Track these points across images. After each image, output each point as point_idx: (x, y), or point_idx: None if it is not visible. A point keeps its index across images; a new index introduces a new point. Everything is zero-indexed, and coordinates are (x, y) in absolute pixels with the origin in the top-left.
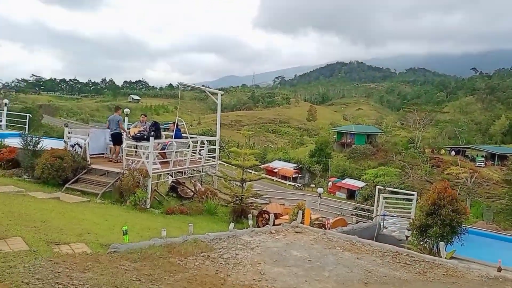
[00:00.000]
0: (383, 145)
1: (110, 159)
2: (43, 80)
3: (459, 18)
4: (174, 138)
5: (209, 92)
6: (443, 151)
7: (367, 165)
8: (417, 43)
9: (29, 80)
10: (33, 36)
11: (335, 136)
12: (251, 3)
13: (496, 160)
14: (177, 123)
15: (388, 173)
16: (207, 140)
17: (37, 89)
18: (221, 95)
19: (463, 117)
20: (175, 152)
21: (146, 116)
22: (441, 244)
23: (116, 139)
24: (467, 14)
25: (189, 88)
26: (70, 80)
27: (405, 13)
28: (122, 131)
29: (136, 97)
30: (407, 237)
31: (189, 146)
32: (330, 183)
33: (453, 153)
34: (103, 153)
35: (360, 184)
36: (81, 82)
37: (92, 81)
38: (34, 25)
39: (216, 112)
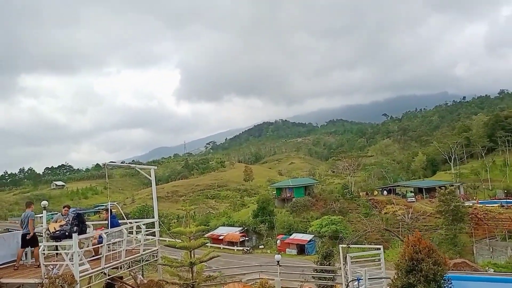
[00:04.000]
0: (321, 194)
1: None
2: None
3: (362, 72)
4: (111, 227)
5: (140, 169)
6: (376, 192)
7: (310, 217)
8: (331, 97)
9: None
10: None
11: (275, 192)
12: (172, 77)
13: (424, 193)
14: (110, 210)
15: (332, 221)
16: (144, 224)
17: None
18: (154, 170)
19: (385, 158)
20: (111, 243)
21: (69, 208)
22: None
23: (30, 240)
24: (367, 68)
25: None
26: None
27: (316, 73)
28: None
29: (60, 183)
30: None
31: (125, 233)
32: (278, 241)
33: (385, 192)
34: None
35: (307, 237)
36: None
37: (9, 172)
38: None
39: (151, 187)
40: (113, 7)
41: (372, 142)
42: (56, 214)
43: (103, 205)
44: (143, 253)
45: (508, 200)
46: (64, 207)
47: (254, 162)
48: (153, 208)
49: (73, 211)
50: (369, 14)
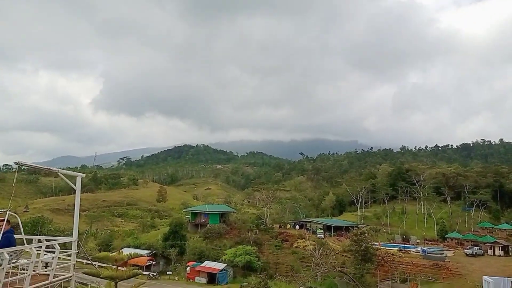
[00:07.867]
0: (236, 223)
1: None
2: None
3: (285, 112)
4: (3, 245)
5: (64, 175)
6: (288, 226)
7: (223, 245)
8: (254, 130)
9: None
10: None
11: (189, 216)
12: (94, 86)
13: (332, 231)
14: (7, 220)
15: (247, 251)
16: (59, 244)
17: None
18: (82, 178)
19: (299, 194)
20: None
21: None
22: None
23: None
24: (291, 109)
25: (25, 168)
26: None
27: (243, 105)
28: None
29: None
30: None
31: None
32: (188, 268)
33: (297, 227)
34: None
35: (220, 265)
36: None
37: None
38: None
39: (73, 197)
40: (41, 5)
41: (288, 177)
42: None
43: None
44: (54, 280)
45: (405, 245)
46: None
47: (169, 183)
48: (73, 225)
49: None
50: (297, 60)
